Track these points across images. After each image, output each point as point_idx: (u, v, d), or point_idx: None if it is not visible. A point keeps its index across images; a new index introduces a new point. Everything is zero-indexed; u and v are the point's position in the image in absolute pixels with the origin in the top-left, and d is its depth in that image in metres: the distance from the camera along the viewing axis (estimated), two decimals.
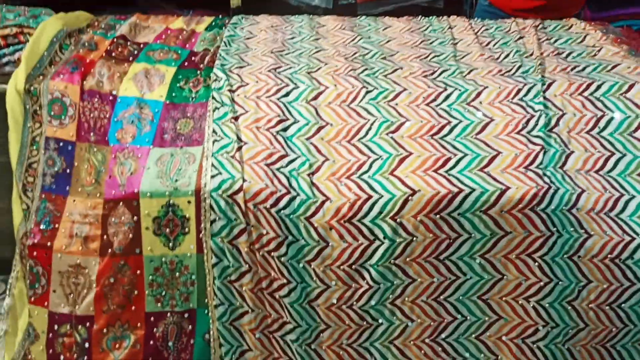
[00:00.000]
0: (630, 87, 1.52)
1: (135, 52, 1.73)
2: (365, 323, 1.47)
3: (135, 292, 1.48)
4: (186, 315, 1.49)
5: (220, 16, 2.05)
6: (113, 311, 1.47)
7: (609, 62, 1.63)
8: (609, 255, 1.40)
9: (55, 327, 1.49)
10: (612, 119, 1.48)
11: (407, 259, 1.43)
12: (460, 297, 1.46)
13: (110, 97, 1.57)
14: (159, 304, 1.48)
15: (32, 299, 1.49)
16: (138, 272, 1.46)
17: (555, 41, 1.80)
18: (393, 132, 1.50)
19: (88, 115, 1.53)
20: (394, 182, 1.41)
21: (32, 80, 1.56)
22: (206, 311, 1.49)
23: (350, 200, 1.41)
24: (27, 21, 1.80)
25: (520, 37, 1.81)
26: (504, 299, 1.45)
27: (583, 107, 1.51)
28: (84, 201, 1.46)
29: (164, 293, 1.48)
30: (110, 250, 1.45)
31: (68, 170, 1.49)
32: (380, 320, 1.47)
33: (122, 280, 1.46)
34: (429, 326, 1.48)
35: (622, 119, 1.47)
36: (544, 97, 1.51)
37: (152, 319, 1.49)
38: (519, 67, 1.62)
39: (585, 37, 1.82)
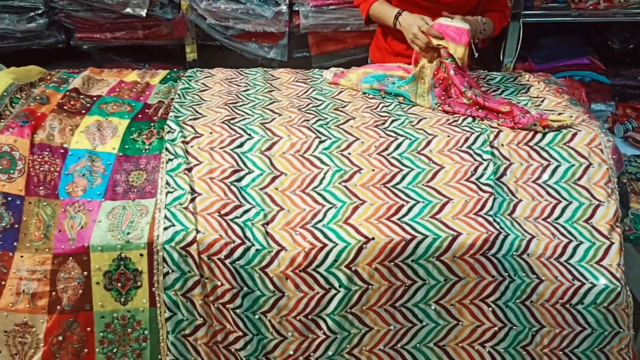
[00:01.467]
0: (573, 136, 1.58)
1: (88, 105, 1.72)
2: None
3: (86, 350, 1.42)
4: None
5: (175, 69, 2.07)
6: None
7: (552, 112, 1.70)
8: (560, 300, 1.43)
9: None
10: (557, 166, 1.53)
11: (363, 307, 1.43)
12: (417, 345, 1.46)
13: (61, 150, 1.55)
14: None
15: None
16: (88, 329, 1.42)
17: (502, 92, 1.87)
18: (346, 180, 1.51)
19: (38, 169, 1.51)
20: (348, 230, 1.42)
21: None
22: None
23: (305, 250, 1.41)
24: None
25: None
26: (460, 344, 1.46)
27: (529, 156, 1.56)
28: (32, 257, 1.42)
29: (115, 350, 1.43)
30: (59, 307, 1.40)
31: (16, 226, 1.45)
32: None
33: (71, 338, 1.41)
34: None
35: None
36: (491, 146, 1.56)
37: None
38: (465, 117, 1.68)
39: (529, 88, 1.89)
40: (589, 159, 1.54)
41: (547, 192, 1.51)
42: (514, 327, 1.44)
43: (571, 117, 1.65)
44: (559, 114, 1.67)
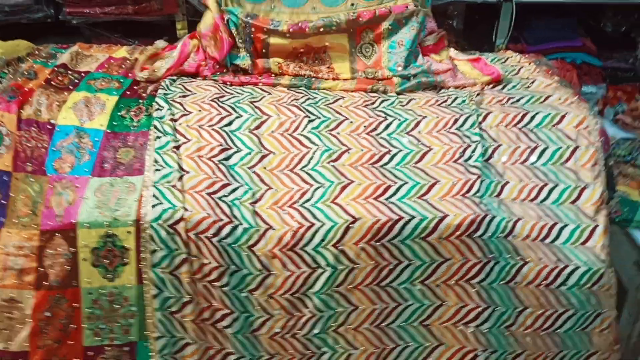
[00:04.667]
0: (562, 118, 1.58)
1: (76, 80, 1.71)
2: (309, 352, 1.47)
3: (73, 325, 1.43)
4: (126, 348, 1.46)
5: None
6: (49, 346, 1.43)
7: (542, 94, 1.69)
8: (544, 282, 1.44)
9: None
10: (545, 148, 1.53)
11: (349, 287, 1.44)
12: (402, 324, 1.48)
13: (49, 126, 1.54)
14: (98, 338, 1.45)
15: None
16: (75, 305, 1.42)
17: None
18: (334, 160, 1.52)
19: (25, 144, 1.50)
20: (336, 210, 1.43)
21: None
22: (147, 344, 1.46)
23: (293, 229, 1.41)
24: None
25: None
26: (444, 324, 1.48)
27: (517, 138, 1.56)
28: (19, 233, 1.42)
29: (102, 326, 1.44)
30: (46, 283, 1.40)
31: (3, 201, 1.45)
32: (323, 349, 1.47)
33: (58, 314, 1.42)
34: (372, 354, 1.49)
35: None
36: (480, 128, 1.56)
37: (90, 353, 1.45)
38: (456, 98, 1.68)
39: (520, 69, 1.89)
40: (577, 141, 1.54)
41: (535, 174, 1.52)
42: (498, 308, 1.46)
43: (560, 98, 1.64)
44: (549, 96, 1.67)
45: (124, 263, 1.42)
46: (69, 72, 1.75)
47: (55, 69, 1.74)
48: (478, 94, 1.69)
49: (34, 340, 1.42)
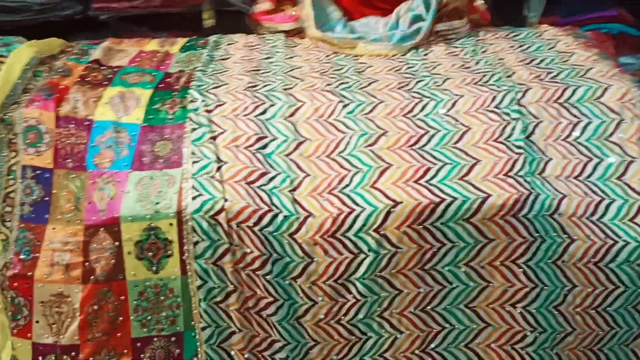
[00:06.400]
0: (604, 91, 1.53)
1: (110, 76, 1.71)
2: (354, 337, 1.47)
3: (120, 318, 1.45)
4: (173, 339, 1.47)
5: (195, 37, 2.05)
6: (98, 339, 1.45)
7: (582, 67, 1.65)
8: (592, 260, 1.41)
9: (40, 358, 1.45)
10: (588, 123, 1.49)
11: (393, 271, 1.43)
12: (447, 307, 1.46)
13: (86, 122, 1.55)
14: (145, 329, 1.46)
15: (15, 331, 1.46)
16: (122, 297, 1.44)
17: (528, 48, 1.82)
18: (372, 144, 1.50)
19: (64, 141, 1.52)
20: (376, 194, 1.41)
21: (6, 109, 1.54)
22: (193, 334, 1.47)
23: (333, 215, 1.41)
24: None
25: (492, 46, 1.83)
26: (490, 306, 1.46)
27: (559, 114, 1.52)
28: (64, 228, 1.44)
29: (149, 317, 1.46)
30: (92, 277, 1.42)
31: (46, 198, 1.47)
32: (368, 334, 1.47)
33: (106, 307, 1.44)
34: (417, 337, 1.48)
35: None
36: (519, 105, 1.53)
37: (138, 344, 1.47)
38: (492, 75, 1.64)
39: (557, 43, 1.84)
40: (621, 114, 1.50)
41: (578, 150, 1.48)
42: (546, 288, 1.43)
43: (601, 71, 1.60)
44: (590, 69, 1.63)
45: (168, 255, 1.43)
46: (102, 67, 1.76)
47: (89, 65, 1.75)
48: (515, 71, 1.65)
49: (84, 334, 1.44)
